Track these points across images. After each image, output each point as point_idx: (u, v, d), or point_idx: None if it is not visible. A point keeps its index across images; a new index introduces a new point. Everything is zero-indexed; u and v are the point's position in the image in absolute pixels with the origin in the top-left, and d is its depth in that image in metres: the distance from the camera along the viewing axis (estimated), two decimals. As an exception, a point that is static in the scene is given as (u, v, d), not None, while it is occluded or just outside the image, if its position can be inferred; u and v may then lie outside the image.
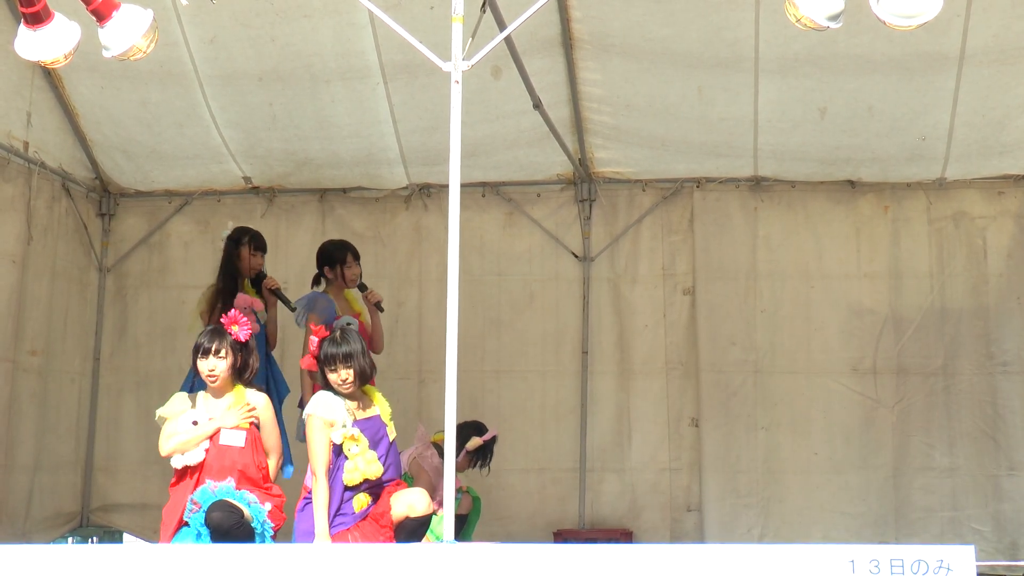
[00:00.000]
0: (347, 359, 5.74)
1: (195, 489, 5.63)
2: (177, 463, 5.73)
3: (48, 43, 5.20)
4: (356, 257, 7.17)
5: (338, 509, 5.67)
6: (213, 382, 5.80)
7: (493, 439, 7.23)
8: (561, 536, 7.70)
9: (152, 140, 8.16)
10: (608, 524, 7.42)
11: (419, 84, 7.39)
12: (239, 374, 5.87)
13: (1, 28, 6.95)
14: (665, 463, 8.11)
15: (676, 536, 7.85)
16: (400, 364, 8.42)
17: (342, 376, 5.75)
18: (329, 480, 5.64)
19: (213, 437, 5.72)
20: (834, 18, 4.98)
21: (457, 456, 6.94)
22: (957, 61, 7.04)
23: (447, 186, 5.06)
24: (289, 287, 8.61)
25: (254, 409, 5.82)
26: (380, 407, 5.92)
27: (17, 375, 7.85)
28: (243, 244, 7.05)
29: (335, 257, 7.15)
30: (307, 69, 7.44)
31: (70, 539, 8.21)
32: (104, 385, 8.64)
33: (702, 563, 4.26)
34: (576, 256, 8.32)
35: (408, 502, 5.76)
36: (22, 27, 5.22)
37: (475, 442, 7.07)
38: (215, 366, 5.78)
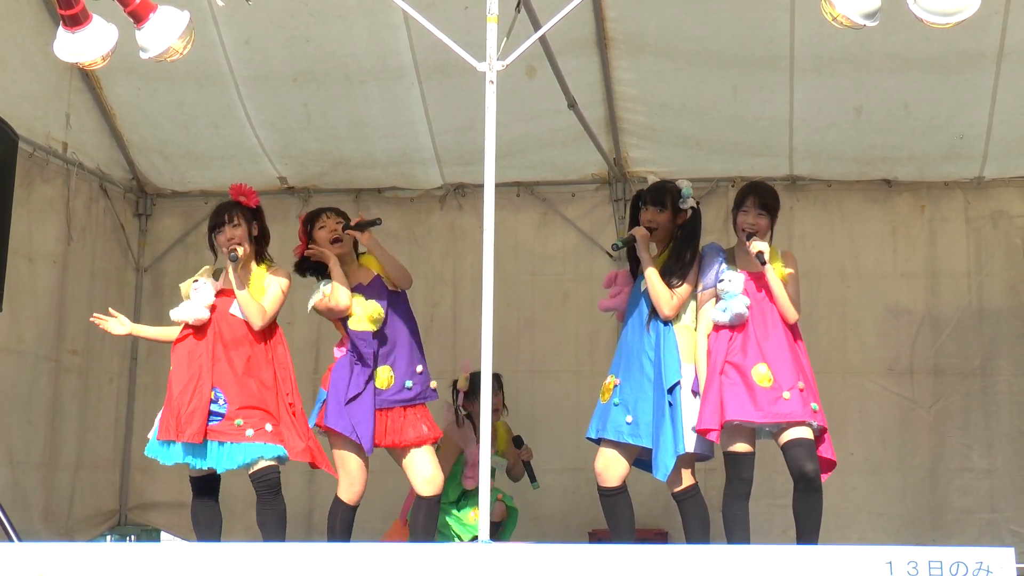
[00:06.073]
0: (336, 211, 5.82)
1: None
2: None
3: (86, 45, 5.24)
4: None
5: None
6: (237, 245, 5.68)
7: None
8: (596, 536, 7.67)
9: (188, 141, 8.22)
10: (643, 524, 7.34)
11: (453, 84, 7.40)
12: (258, 244, 5.80)
13: (40, 30, 7.02)
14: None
15: (711, 536, 7.80)
16: (435, 364, 8.39)
17: (331, 227, 5.79)
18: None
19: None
20: (870, 16, 4.95)
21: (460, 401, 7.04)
22: (995, 59, 6.98)
23: (482, 186, 5.06)
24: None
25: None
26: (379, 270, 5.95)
27: (59, 374, 7.93)
28: None
29: None
30: (341, 69, 7.47)
31: (108, 537, 8.28)
32: (141, 385, 8.69)
33: (738, 564, 4.24)
34: (611, 256, 8.29)
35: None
36: (61, 29, 5.27)
37: (462, 380, 7.17)
38: (232, 235, 5.69)
